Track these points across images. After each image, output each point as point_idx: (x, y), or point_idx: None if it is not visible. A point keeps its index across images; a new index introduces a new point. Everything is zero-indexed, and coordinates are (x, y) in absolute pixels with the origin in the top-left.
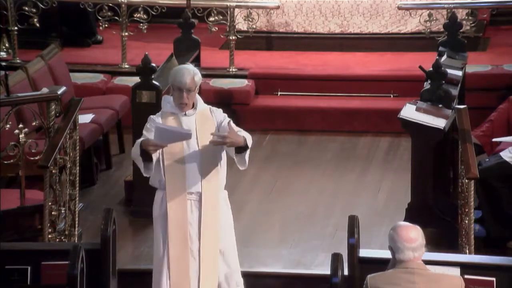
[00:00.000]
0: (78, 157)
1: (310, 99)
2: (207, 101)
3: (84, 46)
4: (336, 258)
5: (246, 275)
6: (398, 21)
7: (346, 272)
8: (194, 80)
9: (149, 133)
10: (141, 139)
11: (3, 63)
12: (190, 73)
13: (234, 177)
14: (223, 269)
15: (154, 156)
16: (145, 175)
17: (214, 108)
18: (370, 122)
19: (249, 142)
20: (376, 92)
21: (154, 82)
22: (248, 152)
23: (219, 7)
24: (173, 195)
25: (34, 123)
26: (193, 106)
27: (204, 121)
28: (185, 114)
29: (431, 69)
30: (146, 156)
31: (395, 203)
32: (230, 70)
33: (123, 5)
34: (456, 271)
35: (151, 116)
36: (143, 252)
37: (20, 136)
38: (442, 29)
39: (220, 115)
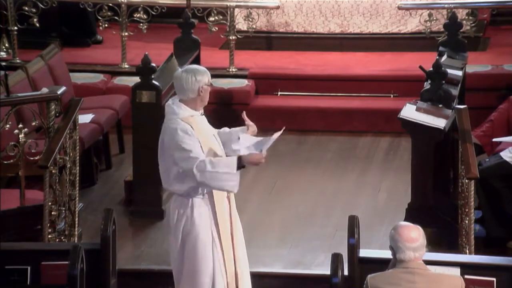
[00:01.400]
0: (78, 157)
1: (310, 99)
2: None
3: (84, 46)
4: (336, 258)
5: None
6: (398, 21)
7: (346, 272)
8: None
9: (195, 146)
10: (221, 158)
11: (3, 63)
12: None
13: None
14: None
15: None
16: (235, 189)
17: None
18: (370, 122)
19: None
20: (376, 92)
21: (154, 82)
22: None
23: (219, 7)
24: (218, 197)
25: (34, 123)
26: None
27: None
28: (202, 114)
29: (431, 69)
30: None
31: (395, 203)
32: (230, 70)
33: (123, 5)
34: (456, 271)
35: (176, 127)
36: (143, 252)
37: (20, 136)
38: (442, 29)
39: None
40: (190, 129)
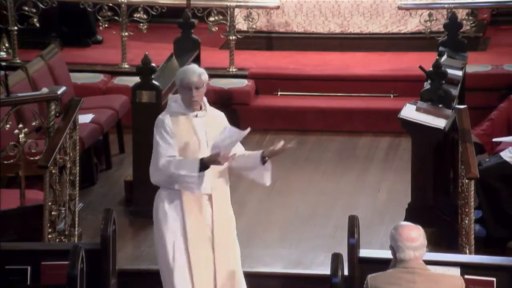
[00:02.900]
0: (78, 157)
1: (310, 99)
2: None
3: (84, 46)
4: (336, 258)
5: (246, 275)
6: (398, 21)
7: (346, 272)
8: (201, 78)
9: (167, 142)
10: (185, 160)
11: (3, 63)
12: (197, 71)
13: (234, 177)
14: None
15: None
16: (198, 191)
17: (220, 112)
18: (370, 122)
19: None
20: (376, 92)
21: (154, 82)
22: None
23: (219, 7)
24: (187, 195)
25: (34, 123)
26: (201, 107)
27: (214, 124)
28: (196, 116)
29: (431, 69)
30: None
31: (395, 203)
32: (230, 70)
33: (123, 5)
34: (456, 271)
35: (160, 119)
36: (143, 252)
37: (20, 136)
38: (442, 29)
39: (225, 121)
40: (170, 124)
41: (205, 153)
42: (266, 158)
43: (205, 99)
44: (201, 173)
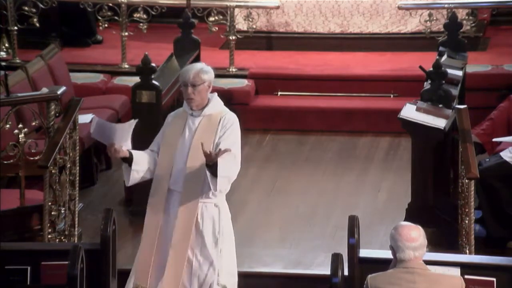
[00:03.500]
0: (78, 157)
1: (310, 99)
2: None
3: (84, 46)
4: (336, 258)
5: (246, 275)
6: (398, 21)
7: (346, 272)
8: (199, 76)
9: (156, 137)
10: None
11: (3, 63)
12: (195, 68)
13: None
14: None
15: (136, 165)
16: (127, 184)
17: (228, 116)
18: (370, 122)
19: (224, 170)
20: (376, 92)
21: (154, 82)
22: (220, 178)
23: (219, 7)
24: (156, 187)
25: (34, 123)
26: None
27: (207, 127)
28: (192, 114)
29: (431, 69)
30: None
31: (395, 203)
32: (230, 70)
33: (123, 5)
34: (456, 271)
35: (168, 114)
36: None
37: (20, 136)
38: (442, 29)
39: (226, 126)
40: (168, 121)
41: (183, 152)
42: (209, 162)
43: (215, 99)
44: (126, 167)
